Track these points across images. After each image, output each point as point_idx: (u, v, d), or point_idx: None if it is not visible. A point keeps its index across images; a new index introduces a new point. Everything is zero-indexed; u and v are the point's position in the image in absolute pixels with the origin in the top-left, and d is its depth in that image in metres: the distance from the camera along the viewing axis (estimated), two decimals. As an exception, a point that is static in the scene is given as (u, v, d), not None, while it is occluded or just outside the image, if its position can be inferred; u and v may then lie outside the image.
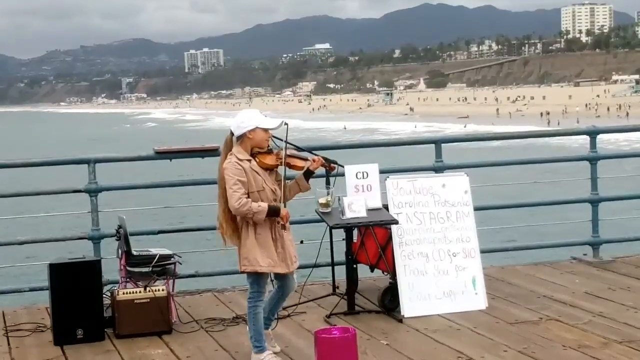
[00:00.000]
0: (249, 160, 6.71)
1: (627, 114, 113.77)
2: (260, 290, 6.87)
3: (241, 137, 6.75)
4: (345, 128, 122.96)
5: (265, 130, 6.77)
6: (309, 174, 6.97)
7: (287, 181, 6.91)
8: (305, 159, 6.98)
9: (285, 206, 6.78)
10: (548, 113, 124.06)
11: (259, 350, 6.84)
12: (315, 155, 7.28)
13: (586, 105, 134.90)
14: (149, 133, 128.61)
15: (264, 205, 6.63)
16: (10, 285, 10.18)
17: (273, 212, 6.67)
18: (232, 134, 6.79)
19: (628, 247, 11.39)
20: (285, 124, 6.92)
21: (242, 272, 6.84)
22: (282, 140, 6.96)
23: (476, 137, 13.12)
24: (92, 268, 7.81)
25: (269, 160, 6.80)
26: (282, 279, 6.97)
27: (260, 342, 6.85)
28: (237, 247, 6.84)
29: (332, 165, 7.33)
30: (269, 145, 6.87)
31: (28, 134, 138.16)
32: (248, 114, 6.82)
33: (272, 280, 7.00)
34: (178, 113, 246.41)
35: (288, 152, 6.89)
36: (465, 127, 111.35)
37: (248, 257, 6.72)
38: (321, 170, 7.31)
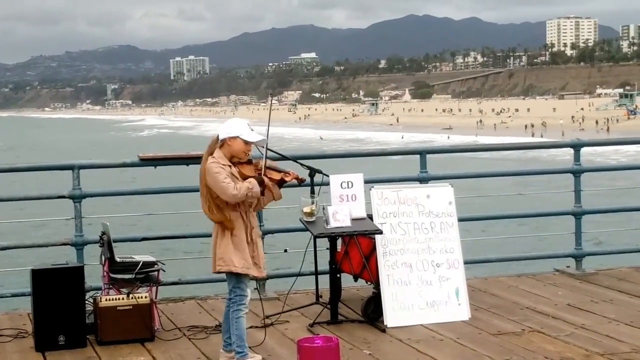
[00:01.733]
0: (230, 166, 6.77)
1: (608, 128, 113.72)
2: (243, 294, 6.90)
3: (222, 143, 6.82)
4: (321, 138, 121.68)
5: (246, 142, 6.83)
6: (282, 183, 7.06)
7: None
8: (281, 171, 7.07)
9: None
10: (532, 125, 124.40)
11: (242, 355, 6.85)
12: (299, 163, 7.35)
13: (572, 117, 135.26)
14: (160, 139, 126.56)
15: (253, 180, 6.77)
16: (-8, 290, 10.12)
17: (260, 182, 6.80)
18: (217, 139, 6.86)
19: (611, 260, 11.44)
20: (264, 146, 7.01)
21: (217, 273, 6.89)
22: (269, 149, 7.03)
23: (461, 148, 13.15)
24: (75, 274, 7.78)
25: (248, 171, 6.89)
26: None
27: (242, 348, 6.86)
28: (212, 249, 6.89)
29: (302, 178, 7.41)
30: (248, 156, 6.94)
31: (35, 139, 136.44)
32: (236, 123, 6.91)
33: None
34: (168, 120, 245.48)
35: (267, 163, 6.98)
36: (449, 138, 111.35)
37: (223, 258, 6.79)
38: (306, 179, 7.36)
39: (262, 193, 6.86)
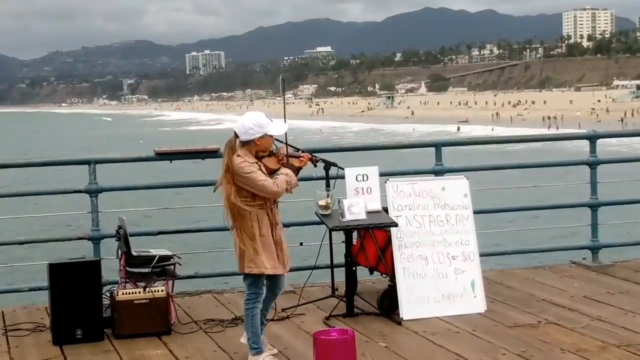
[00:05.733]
0: (257, 164, 6.72)
1: (622, 120, 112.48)
2: (258, 292, 6.90)
3: (248, 142, 6.73)
4: (320, 131, 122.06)
5: (271, 135, 6.79)
6: (297, 171, 7.04)
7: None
8: (297, 157, 7.06)
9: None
10: (549, 118, 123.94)
11: (257, 351, 6.86)
12: (313, 156, 7.36)
13: (592, 109, 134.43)
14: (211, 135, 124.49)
15: (289, 172, 6.82)
16: (10, 284, 10.21)
17: (297, 171, 6.96)
18: (236, 136, 6.75)
19: (627, 252, 11.41)
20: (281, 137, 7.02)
21: (246, 274, 6.84)
22: (282, 142, 7.01)
23: (476, 140, 13.13)
24: (91, 268, 7.82)
25: (272, 164, 6.85)
26: (274, 280, 7.01)
27: (257, 344, 6.87)
28: (236, 249, 6.85)
29: (316, 158, 7.43)
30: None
31: (83, 134, 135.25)
32: (256, 120, 6.75)
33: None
34: (190, 115, 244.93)
35: (285, 152, 6.97)
36: (458, 130, 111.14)
37: (254, 260, 6.74)
38: (321, 172, 7.38)
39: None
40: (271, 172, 6.83)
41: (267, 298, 7.08)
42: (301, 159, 7.07)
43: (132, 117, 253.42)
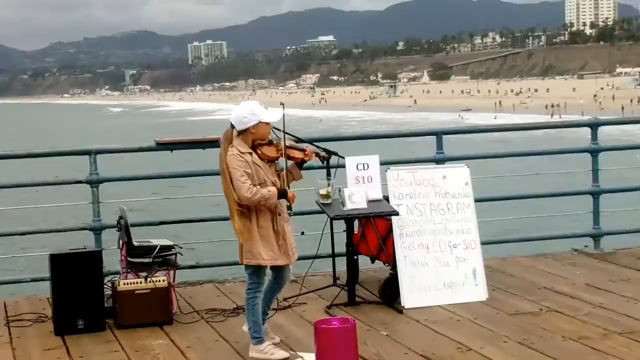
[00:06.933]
0: (250, 154, 6.71)
1: (622, 107, 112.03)
2: (259, 282, 6.90)
3: (243, 132, 6.74)
4: (320, 120, 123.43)
5: (267, 123, 6.78)
6: (302, 164, 7.01)
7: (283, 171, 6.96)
8: (302, 150, 7.02)
9: (289, 188, 6.88)
10: (552, 106, 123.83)
11: (258, 341, 6.87)
12: (315, 146, 7.35)
13: (594, 96, 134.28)
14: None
15: (274, 190, 6.70)
16: (12, 275, 10.22)
17: (282, 195, 6.75)
18: (232, 127, 6.77)
19: (629, 239, 11.39)
20: (281, 104, 6.98)
21: (247, 264, 6.85)
22: (281, 130, 6.98)
23: (478, 129, 13.12)
24: (93, 259, 7.83)
25: (270, 152, 6.82)
26: (279, 271, 7.01)
27: (258, 333, 6.88)
28: (238, 238, 6.84)
29: (324, 155, 7.42)
30: (270, 136, 6.89)
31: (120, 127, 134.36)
32: (250, 109, 6.75)
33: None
34: (193, 105, 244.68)
35: (287, 143, 6.93)
36: (461, 117, 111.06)
37: (252, 251, 6.74)
38: (318, 161, 7.40)
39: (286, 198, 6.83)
40: (270, 160, 6.83)
41: (271, 289, 7.08)
42: (306, 152, 7.02)
43: (136, 107, 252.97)
